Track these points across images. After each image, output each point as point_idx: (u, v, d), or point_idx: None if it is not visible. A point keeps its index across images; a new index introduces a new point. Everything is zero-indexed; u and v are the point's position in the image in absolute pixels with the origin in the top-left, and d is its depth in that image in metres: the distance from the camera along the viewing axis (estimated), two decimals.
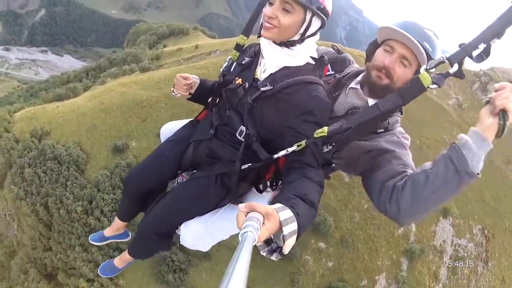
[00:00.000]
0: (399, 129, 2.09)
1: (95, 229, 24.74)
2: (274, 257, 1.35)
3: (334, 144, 1.97)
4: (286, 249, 1.28)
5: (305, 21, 1.82)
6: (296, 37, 1.88)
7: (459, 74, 1.56)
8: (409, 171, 1.79)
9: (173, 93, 2.51)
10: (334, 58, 2.44)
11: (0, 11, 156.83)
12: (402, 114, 2.13)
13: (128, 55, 45.35)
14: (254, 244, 0.98)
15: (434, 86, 1.55)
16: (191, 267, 24.15)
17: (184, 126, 2.52)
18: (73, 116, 31.64)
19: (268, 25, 1.81)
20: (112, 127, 28.53)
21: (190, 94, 2.46)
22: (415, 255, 26.53)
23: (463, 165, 1.51)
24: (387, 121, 2.03)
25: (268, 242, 1.36)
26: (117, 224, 2.95)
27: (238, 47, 2.23)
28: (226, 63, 2.29)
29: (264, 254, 1.35)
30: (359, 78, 2.19)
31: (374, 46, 2.11)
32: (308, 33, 1.89)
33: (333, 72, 2.41)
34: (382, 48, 2.02)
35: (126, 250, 2.76)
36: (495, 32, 1.40)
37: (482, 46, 1.45)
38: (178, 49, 40.96)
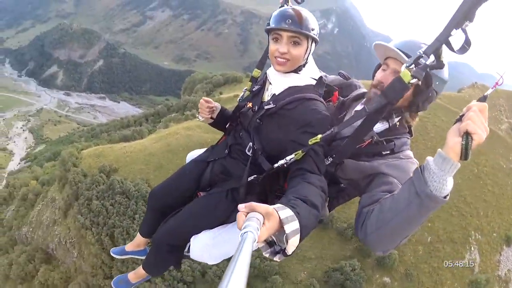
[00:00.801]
0: (407, 152, 2.07)
1: None
2: (277, 258, 1.38)
3: (334, 155, 2.03)
4: (290, 249, 1.30)
5: (308, 47, 2.07)
6: (303, 62, 2.12)
7: (437, 65, 1.56)
8: None
9: (198, 118, 2.76)
10: (340, 84, 2.56)
11: (61, 60, 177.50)
12: (411, 136, 2.17)
13: (187, 102, 49.88)
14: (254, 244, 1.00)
15: (414, 80, 1.53)
16: None
17: (205, 150, 2.76)
18: (140, 155, 35.20)
19: (282, 60, 2.04)
20: (178, 166, 30.31)
21: (212, 118, 2.70)
22: (481, 286, 26.31)
23: (422, 187, 1.46)
24: (393, 142, 2.04)
25: (271, 243, 1.37)
26: (138, 240, 3.13)
27: (252, 79, 2.48)
28: (243, 93, 2.53)
29: (267, 255, 1.38)
30: (364, 100, 2.27)
31: (377, 68, 2.18)
32: (308, 55, 2.13)
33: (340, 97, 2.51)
34: (381, 67, 2.11)
35: (141, 265, 2.88)
36: (463, 14, 1.36)
37: (456, 33, 1.42)
38: (235, 96, 44.67)
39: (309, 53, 2.13)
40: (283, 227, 1.27)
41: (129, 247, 3.21)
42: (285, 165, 1.93)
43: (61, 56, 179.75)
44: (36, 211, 42.11)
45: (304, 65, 2.16)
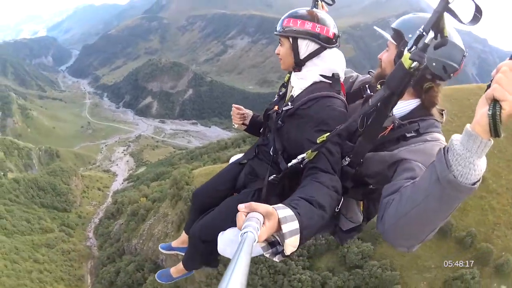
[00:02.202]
0: (436, 134, 1.87)
1: (280, 271, 28.56)
2: (276, 259, 1.41)
3: (352, 155, 1.96)
4: (288, 249, 1.32)
5: (290, 46, 2.20)
6: (296, 60, 2.24)
7: (441, 42, 1.42)
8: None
9: (233, 126, 3.02)
10: (370, 80, 2.49)
11: (154, 92, 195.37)
12: (442, 118, 2.00)
13: None
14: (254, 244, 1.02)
15: (415, 63, 1.42)
16: None
17: (244, 154, 2.90)
18: None
19: (279, 59, 2.31)
20: None
21: (244, 124, 2.91)
22: None
23: (444, 172, 1.23)
24: (417, 123, 1.89)
25: (273, 244, 1.39)
26: (183, 237, 3.31)
27: (283, 83, 2.61)
28: (275, 98, 2.67)
29: (267, 255, 1.40)
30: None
31: None
32: (302, 55, 2.21)
33: (371, 93, 2.43)
34: None
35: (181, 260, 3.04)
36: None
37: (456, 0, 1.29)
38: None
39: (297, 52, 2.21)
40: (281, 227, 1.30)
41: (175, 243, 3.45)
42: (300, 164, 1.95)
43: (154, 88, 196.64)
44: (147, 225, 46.52)
45: (303, 64, 2.24)
